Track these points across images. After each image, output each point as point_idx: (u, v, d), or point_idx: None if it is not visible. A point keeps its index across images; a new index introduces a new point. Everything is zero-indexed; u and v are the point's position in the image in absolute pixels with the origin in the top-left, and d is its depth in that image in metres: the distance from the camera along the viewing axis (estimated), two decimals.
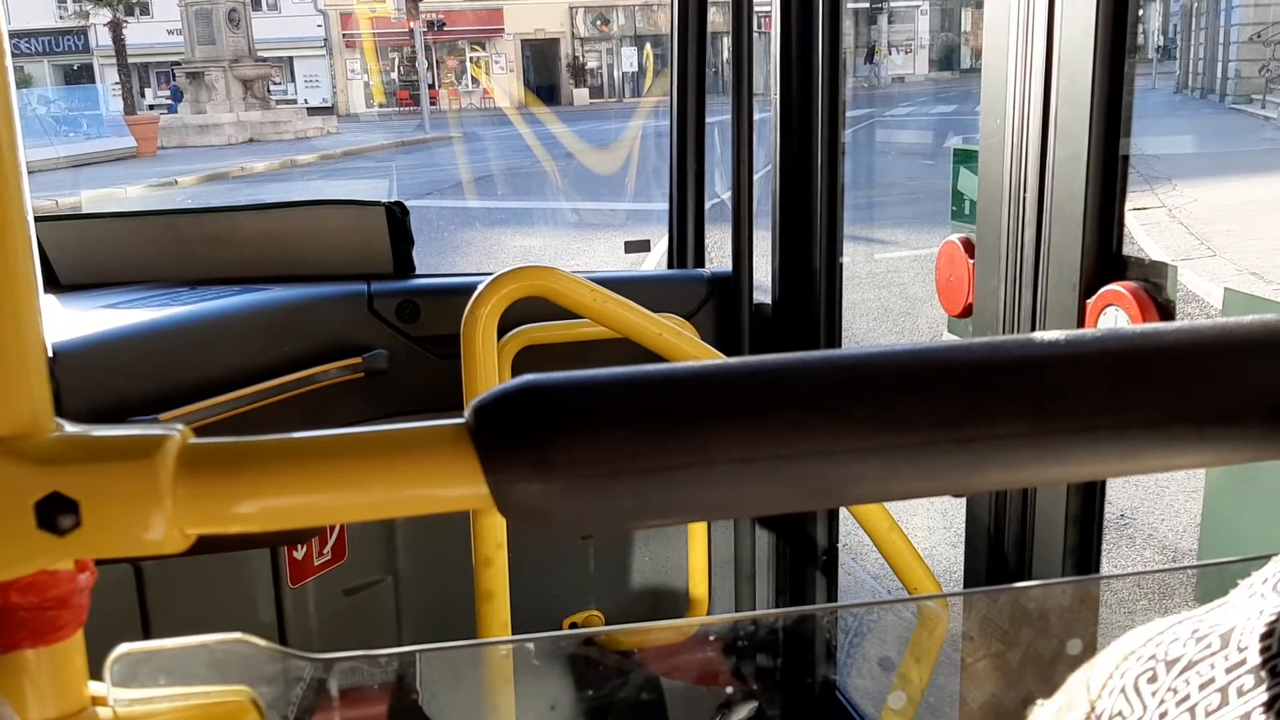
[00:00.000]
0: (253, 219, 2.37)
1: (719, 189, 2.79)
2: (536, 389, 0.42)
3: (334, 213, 2.35)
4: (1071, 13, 1.50)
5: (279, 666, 0.56)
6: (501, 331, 1.95)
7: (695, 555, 2.43)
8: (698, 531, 2.41)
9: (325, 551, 2.26)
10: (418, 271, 2.38)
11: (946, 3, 41.90)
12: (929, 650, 1.51)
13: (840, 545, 2.51)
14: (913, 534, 2.05)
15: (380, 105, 39.80)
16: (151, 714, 0.51)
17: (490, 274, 1.90)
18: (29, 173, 0.46)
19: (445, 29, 38.15)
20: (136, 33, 33.97)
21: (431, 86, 36.47)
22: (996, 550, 1.76)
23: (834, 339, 2.37)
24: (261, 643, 0.53)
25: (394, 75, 40.74)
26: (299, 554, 2.19)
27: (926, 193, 12.04)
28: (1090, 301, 1.54)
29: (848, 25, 2.29)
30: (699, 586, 2.44)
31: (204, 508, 0.42)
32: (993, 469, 0.44)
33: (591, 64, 41.99)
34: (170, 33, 32.09)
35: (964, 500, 1.93)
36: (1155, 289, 1.51)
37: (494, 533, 1.81)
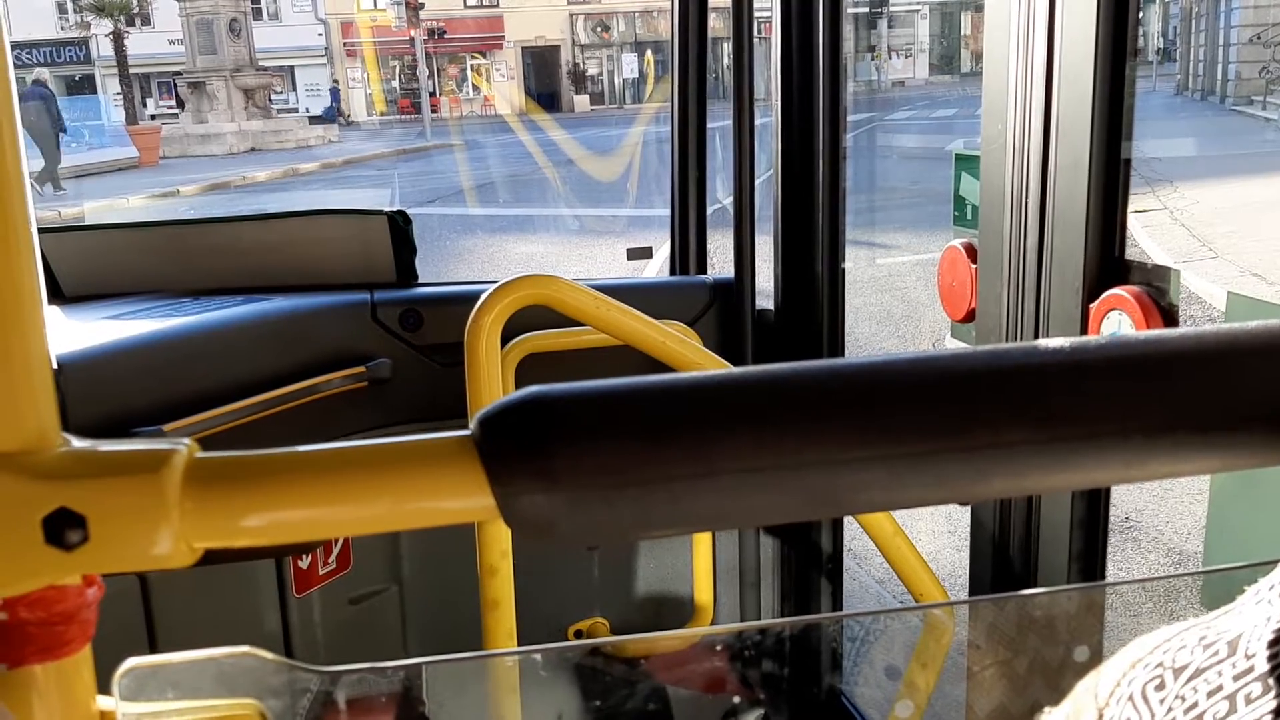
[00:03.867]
0: (255, 229, 2.38)
1: (720, 195, 2.79)
2: (541, 400, 0.42)
3: (336, 222, 2.36)
4: (1072, 16, 1.50)
5: (286, 679, 0.56)
6: (505, 339, 1.95)
7: (700, 563, 2.43)
8: (702, 539, 2.41)
9: (330, 561, 2.26)
10: (420, 280, 2.39)
11: (946, 6, 41.94)
12: (935, 657, 1.51)
13: (845, 551, 2.51)
14: (918, 539, 2.05)
15: (381, 113, 39.87)
16: None
17: (493, 282, 1.91)
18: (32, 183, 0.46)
19: (446, 37, 38.23)
20: (138, 43, 34.06)
21: (432, 94, 36.53)
22: (1002, 556, 1.76)
23: (837, 344, 2.37)
24: (268, 655, 0.54)
25: (395, 83, 40.82)
26: (304, 563, 2.19)
27: (928, 197, 12.05)
28: (1093, 306, 1.54)
29: (848, 29, 2.29)
30: (704, 594, 2.43)
31: (211, 521, 0.42)
32: (998, 477, 0.44)
33: (592, 70, 42.05)
34: (172, 43, 32.15)
35: (969, 506, 1.93)
36: (1158, 293, 1.51)
37: (499, 542, 1.81)
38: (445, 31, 37.94)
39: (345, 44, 39.81)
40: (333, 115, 36.18)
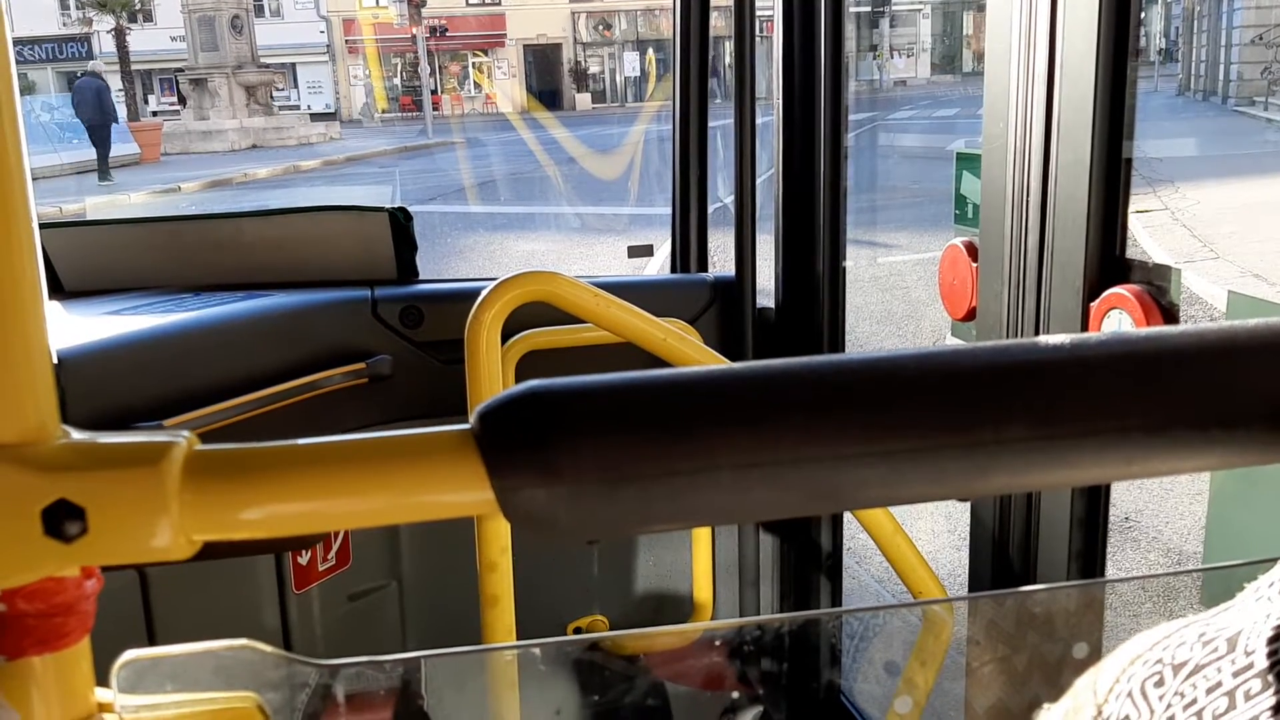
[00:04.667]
0: (256, 225, 2.38)
1: (721, 193, 2.79)
2: (541, 394, 0.42)
3: (337, 218, 2.36)
4: (1073, 16, 1.50)
5: (284, 672, 0.56)
6: (505, 336, 1.95)
7: (699, 560, 2.43)
8: (702, 536, 2.41)
9: (330, 557, 2.26)
10: (421, 277, 2.39)
11: (948, 6, 41.92)
12: (934, 654, 1.51)
13: (845, 549, 2.51)
14: (917, 538, 2.05)
15: (383, 110, 39.85)
16: None
17: (494, 279, 1.91)
18: (33, 179, 0.46)
19: (448, 34, 38.21)
20: (140, 39, 34.02)
21: (434, 92, 36.52)
22: (1001, 553, 1.76)
23: (837, 343, 2.37)
24: (267, 648, 0.54)
25: (397, 81, 40.80)
26: (304, 559, 2.19)
27: (929, 196, 12.05)
28: (1094, 305, 1.54)
29: (850, 29, 2.29)
30: (703, 591, 2.43)
31: (210, 514, 0.42)
32: (998, 473, 0.44)
33: (594, 69, 42.02)
34: (173, 39, 32.16)
35: (969, 503, 1.93)
36: (1159, 292, 1.51)
37: (499, 538, 1.81)
38: (447, 29, 37.93)
39: (347, 41, 39.79)
40: (370, 113, 36.20)
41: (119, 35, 30.51)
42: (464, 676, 0.85)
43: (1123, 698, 0.48)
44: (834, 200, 2.26)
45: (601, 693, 1.07)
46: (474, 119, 36.36)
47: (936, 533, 4.10)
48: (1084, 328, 1.54)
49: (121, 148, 23.22)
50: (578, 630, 2.49)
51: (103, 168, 19.26)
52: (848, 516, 2.42)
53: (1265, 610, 0.45)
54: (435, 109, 33.62)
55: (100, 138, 19.41)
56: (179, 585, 1.94)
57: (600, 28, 41.47)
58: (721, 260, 2.59)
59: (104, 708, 0.50)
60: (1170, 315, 1.50)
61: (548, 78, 41.72)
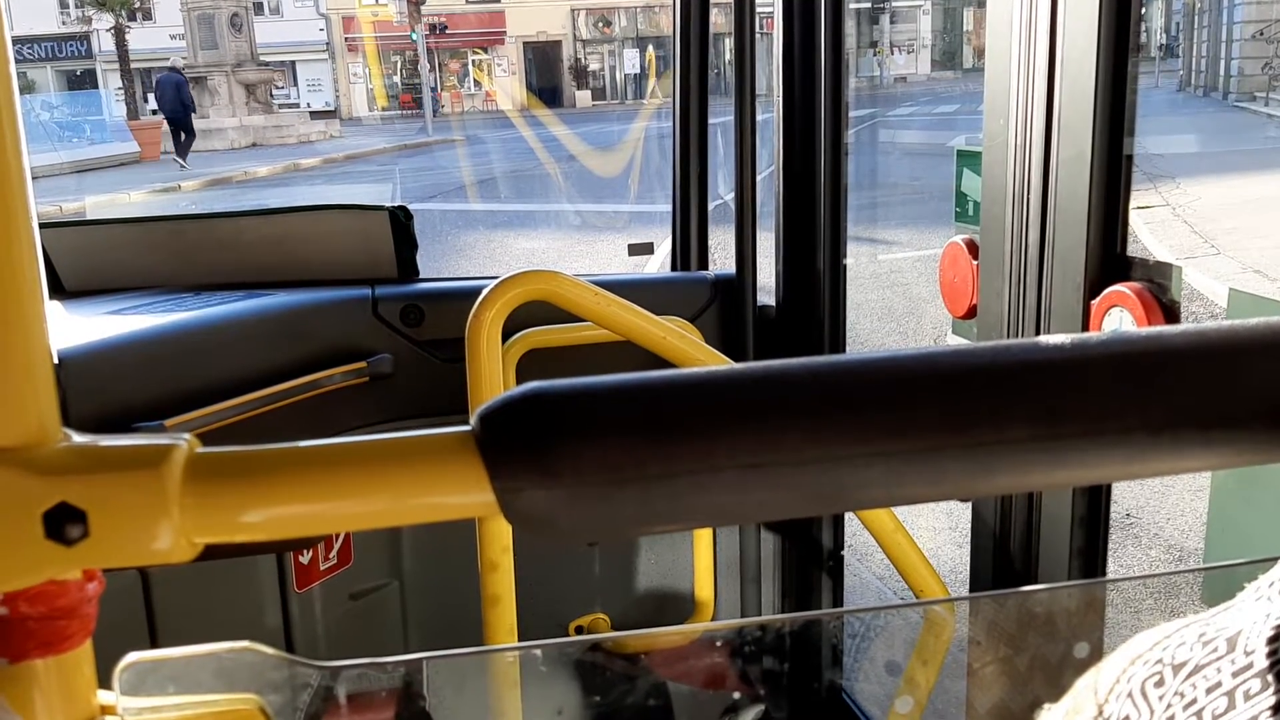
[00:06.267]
0: (256, 224, 2.38)
1: (722, 190, 2.79)
2: (541, 396, 0.42)
3: (338, 217, 2.36)
4: (1074, 12, 1.50)
5: (286, 674, 0.56)
6: (506, 335, 1.95)
7: (701, 559, 2.43)
8: (703, 535, 2.41)
9: (331, 556, 2.26)
10: (421, 275, 2.39)
11: (949, 2, 41.86)
12: (935, 654, 1.51)
13: (846, 548, 2.51)
14: (918, 536, 2.05)
15: (383, 108, 39.81)
16: None
17: (494, 278, 1.91)
18: (33, 178, 0.46)
19: (447, 32, 38.18)
20: (139, 38, 33.99)
21: (434, 89, 36.47)
22: (1003, 552, 1.76)
23: (838, 340, 2.37)
24: (269, 650, 0.54)
25: (396, 79, 40.76)
26: (305, 559, 2.19)
27: (930, 193, 12.04)
28: (1095, 303, 1.54)
29: (850, 25, 2.29)
30: (704, 590, 2.44)
31: (211, 517, 0.42)
32: (999, 473, 0.44)
33: (594, 66, 41.98)
34: (173, 37, 32.13)
35: (970, 502, 1.93)
36: (1160, 289, 1.50)
37: (500, 537, 1.81)
38: (447, 27, 37.90)
39: (347, 39, 39.76)
40: (434, 105, 36.10)
41: (118, 34, 30.49)
42: (466, 676, 0.86)
43: (1123, 698, 0.48)
44: (834, 197, 2.26)
45: (603, 692, 1.07)
46: (474, 116, 36.33)
47: (938, 529, 4.10)
48: (1085, 325, 1.54)
49: (121, 146, 23.26)
50: (579, 629, 2.49)
51: (182, 155, 20.62)
52: (849, 515, 2.42)
53: (1265, 610, 0.45)
54: (435, 105, 33.56)
55: (181, 128, 20.89)
56: (181, 586, 1.94)
57: (600, 25, 41.44)
58: (722, 258, 2.59)
59: (106, 710, 0.50)
60: (1171, 313, 1.50)
61: (547, 75, 41.68)
